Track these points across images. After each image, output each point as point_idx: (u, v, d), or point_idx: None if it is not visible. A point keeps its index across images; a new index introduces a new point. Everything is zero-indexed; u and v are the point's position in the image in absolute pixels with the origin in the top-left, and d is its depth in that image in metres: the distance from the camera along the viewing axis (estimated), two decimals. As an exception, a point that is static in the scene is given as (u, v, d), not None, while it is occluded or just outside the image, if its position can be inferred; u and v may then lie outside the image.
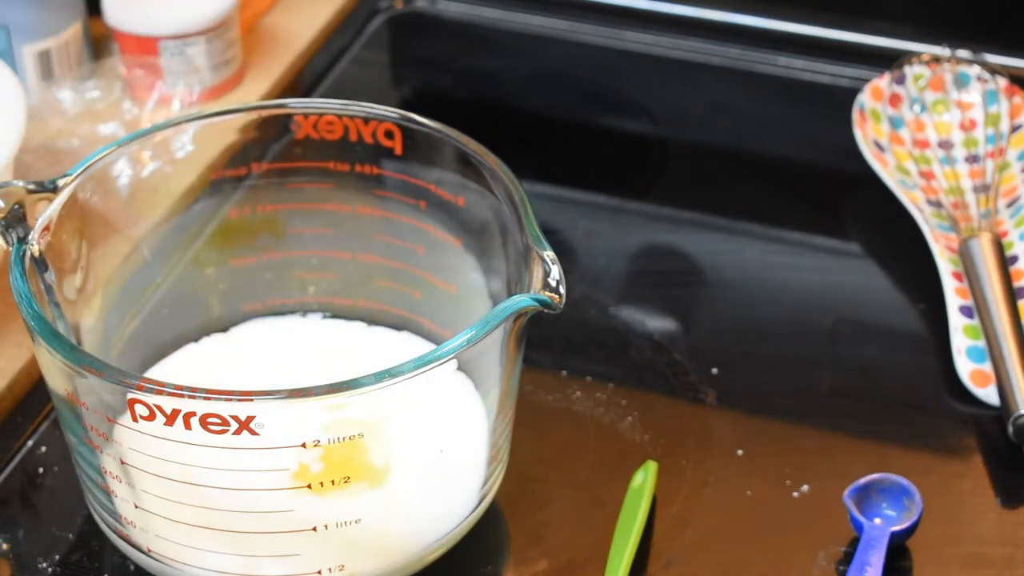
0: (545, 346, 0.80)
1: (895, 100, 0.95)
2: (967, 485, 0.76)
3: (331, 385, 0.60)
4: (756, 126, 1.01)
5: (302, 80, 1.03)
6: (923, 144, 0.93)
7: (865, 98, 0.95)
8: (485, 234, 0.72)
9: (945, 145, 0.93)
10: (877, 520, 0.72)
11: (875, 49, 1.03)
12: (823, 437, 0.78)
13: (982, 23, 1.02)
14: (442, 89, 1.07)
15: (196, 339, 0.78)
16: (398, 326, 0.78)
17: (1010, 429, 0.76)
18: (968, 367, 0.80)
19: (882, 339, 0.84)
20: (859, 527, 0.71)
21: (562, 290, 0.63)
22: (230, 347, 0.78)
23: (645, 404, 0.79)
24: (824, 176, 0.97)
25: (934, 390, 0.81)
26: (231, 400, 0.60)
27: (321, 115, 0.74)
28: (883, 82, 0.96)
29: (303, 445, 0.61)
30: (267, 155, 0.76)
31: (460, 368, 0.64)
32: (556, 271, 0.64)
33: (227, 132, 0.75)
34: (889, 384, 0.81)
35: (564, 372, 0.81)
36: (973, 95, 0.95)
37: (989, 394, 0.79)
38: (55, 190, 0.69)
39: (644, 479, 0.72)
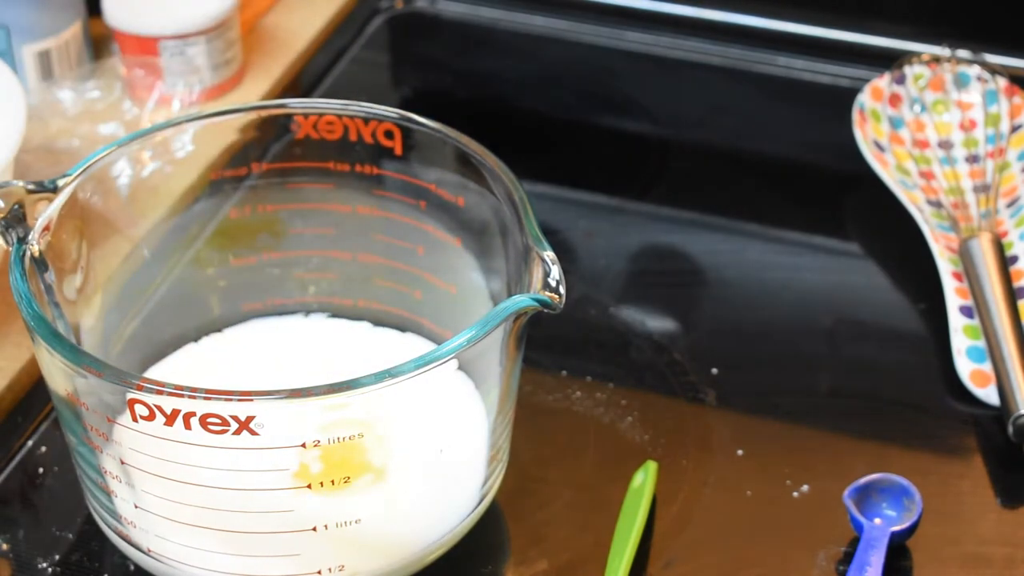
0: (545, 346, 0.80)
1: (895, 100, 0.95)
2: (967, 485, 0.76)
3: (331, 385, 0.60)
4: (756, 126, 1.01)
5: (302, 80, 1.03)
6: (923, 144, 0.93)
7: (865, 98, 0.95)
8: (485, 234, 0.72)
9: (945, 145, 0.93)
10: (877, 520, 0.72)
11: (875, 49, 1.03)
12: (823, 437, 0.78)
13: (982, 23, 1.02)
14: (442, 89, 1.07)
15: (196, 339, 0.78)
16: (398, 326, 0.78)
17: (1010, 429, 0.76)
18: (968, 367, 0.80)
19: (882, 339, 0.84)
20: (859, 527, 0.71)
21: (562, 290, 0.63)
22: (230, 347, 0.78)
23: (645, 404, 0.79)
24: (824, 176, 0.97)
25: (934, 390, 0.81)
26: (231, 400, 0.60)
27: (321, 115, 0.74)
28: (883, 82, 0.96)
29: (303, 445, 0.61)
30: (267, 155, 0.76)
31: (460, 368, 0.64)
32: (556, 271, 0.64)
33: (227, 132, 0.75)
34: (889, 384, 0.81)
35: (564, 372, 0.81)
36: (973, 95, 0.95)
37: (989, 394, 0.79)
38: (55, 190, 0.69)
39: (644, 479, 0.72)
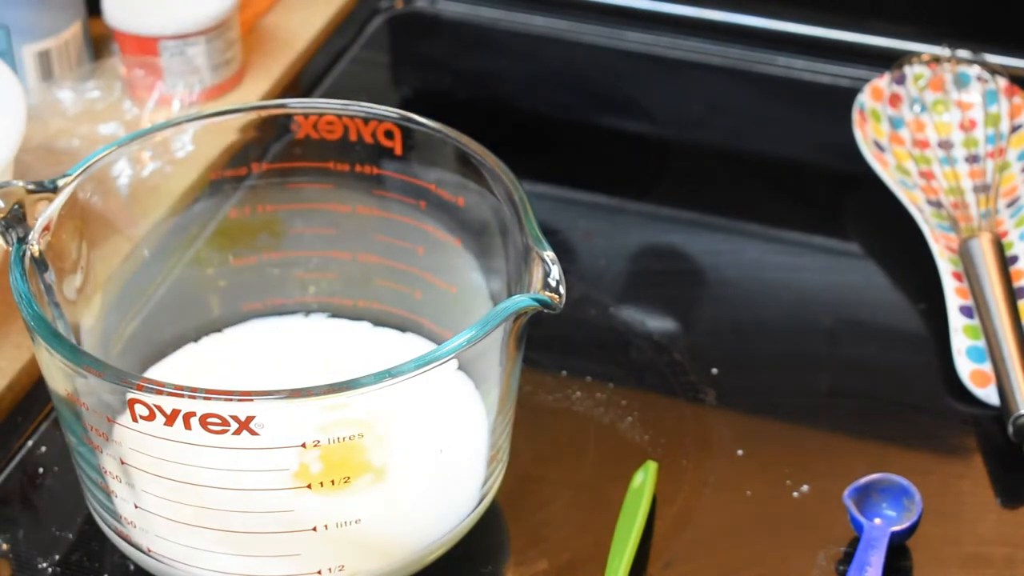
0: (545, 346, 0.80)
1: (895, 100, 0.95)
2: (967, 485, 0.76)
3: (331, 385, 0.60)
4: (756, 126, 1.01)
5: (302, 80, 1.03)
6: (923, 144, 0.93)
7: (865, 98, 0.95)
8: (485, 234, 0.72)
9: (945, 145, 0.93)
10: (877, 520, 0.72)
11: (875, 49, 1.03)
12: (823, 437, 0.78)
13: (982, 23, 1.02)
14: (442, 89, 1.07)
15: (196, 339, 0.78)
16: (398, 326, 0.78)
17: (1010, 429, 0.76)
18: (968, 367, 0.80)
19: (882, 339, 0.84)
20: (859, 527, 0.71)
21: (562, 290, 0.63)
22: (230, 347, 0.78)
23: (645, 404, 0.79)
24: (824, 176, 0.98)
25: (934, 390, 0.81)
26: (231, 400, 0.60)
27: (321, 115, 0.74)
28: (883, 82, 0.96)
29: (303, 445, 0.61)
30: (267, 155, 0.76)
31: (460, 368, 0.64)
32: (556, 271, 0.64)
33: (227, 132, 0.75)
34: (889, 384, 0.81)
35: (564, 372, 0.81)
36: (973, 95, 0.95)
37: (989, 394, 0.79)
38: (55, 190, 0.69)
39: (644, 479, 0.72)
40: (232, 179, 0.76)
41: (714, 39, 1.06)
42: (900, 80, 0.95)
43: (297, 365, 0.77)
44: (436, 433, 0.68)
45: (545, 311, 0.63)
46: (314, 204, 0.77)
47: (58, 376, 0.64)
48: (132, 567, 0.70)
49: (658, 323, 0.85)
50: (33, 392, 0.79)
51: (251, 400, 0.60)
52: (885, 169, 0.91)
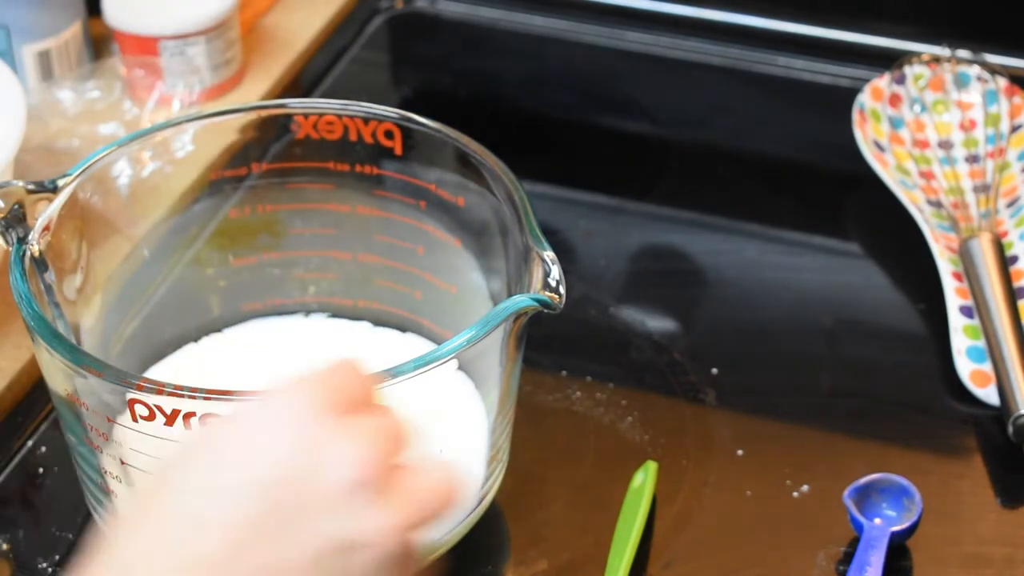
0: (545, 346, 0.80)
1: (895, 100, 0.95)
2: (967, 485, 0.76)
3: (331, 385, 0.60)
4: (756, 126, 1.01)
5: (302, 80, 1.03)
6: (923, 144, 0.93)
7: (865, 98, 0.95)
8: (485, 234, 0.72)
9: (945, 145, 0.93)
10: (877, 520, 0.72)
11: (875, 49, 1.03)
12: (823, 437, 0.78)
13: (982, 23, 1.02)
14: (442, 89, 1.07)
15: (196, 339, 0.78)
16: (398, 326, 0.78)
17: (1010, 429, 0.76)
18: (968, 367, 0.80)
19: (882, 339, 0.84)
20: (859, 527, 0.71)
21: (562, 290, 0.63)
22: (230, 347, 0.78)
23: (645, 404, 0.79)
24: (824, 176, 0.97)
25: (934, 390, 0.81)
26: (231, 400, 0.60)
27: (321, 115, 0.74)
28: (883, 82, 0.96)
29: (303, 445, 0.61)
30: (267, 155, 0.76)
31: (460, 368, 0.64)
32: (556, 271, 0.64)
33: (227, 132, 0.75)
34: (889, 384, 0.81)
35: (564, 372, 0.81)
36: (973, 95, 0.95)
37: (989, 394, 0.79)
38: (55, 190, 0.69)
39: (644, 479, 0.72)
40: (232, 179, 0.76)
41: (714, 39, 1.06)
42: (900, 80, 0.95)
43: (297, 365, 0.76)
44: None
45: (545, 311, 0.63)
46: (314, 204, 0.77)
47: (58, 376, 0.64)
48: (132, 567, 0.70)
49: (658, 323, 0.85)
50: (33, 392, 0.79)
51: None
52: (885, 169, 0.91)
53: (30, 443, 0.77)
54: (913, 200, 0.89)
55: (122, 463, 0.64)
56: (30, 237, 0.67)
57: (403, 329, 0.78)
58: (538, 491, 0.75)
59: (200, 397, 0.60)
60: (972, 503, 0.75)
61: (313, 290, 0.79)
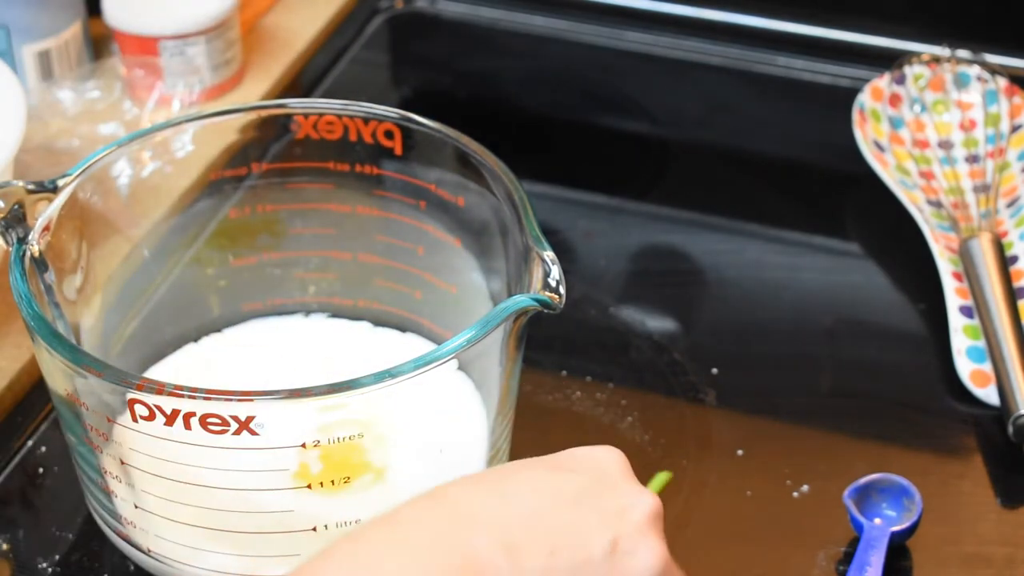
0: (545, 346, 0.80)
1: (895, 100, 0.95)
2: (967, 485, 0.76)
3: (331, 385, 0.60)
4: (756, 126, 1.01)
5: (302, 80, 1.03)
6: (923, 144, 0.93)
7: (865, 98, 0.95)
8: (485, 234, 0.72)
9: (945, 145, 0.93)
10: (877, 520, 0.72)
11: (875, 49, 1.03)
12: (823, 437, 0.78)
13: (982, 23, 1.02)
14: (442, 89, 1.07)
15: (196, 339, 0.78)
16: (398, 326, 0.78)
17: (1010, 429, 0.76)
18: (968, 367, 0.80)
19: (882, 339, 0.84)
20: (859, 527, 0.71)
21: (562, 290, 0.63)
22: (230, 347, 0.78)
23: (645, 404, 0.79)
24: (824, 176, 0.97)
25: (934, 390, 0.81)
26: (231, 400, 0.60)
27: (321, 115, 0.74)
28: (883, 82, 0.96)
29: (303, 445, 0.61)
30: (267, 155, 0.76)
31: (460, 368, 0.64)
32: (556, 271, 0.64)
33: (227, 132, 0.75)
34: (889, 384, 0.81)
35: (564, 372, 0.81)
36: (973, 95, 0.95)
37: (989, 394, 0.79)
38: (55, 190, 0.69)
39: (651, 485, 0.72)
40: (232, 179, 0.76)
41: (714, 39, 1.06)
42: (900, 80, 0.95)
43: (297, 365, 0.76)
44: (436, 433, 0.68)
45: (545, 311, 0.63)
46: (314, 204, 0.77)
47: (58, 376, 0.64)
48: (132, 567, 0.70)
49: (658, 323, 0.84)
50: (33, 392, 0.79)
51: (251, 400, 0.60)
52: (885, 169, 0.91)
53: (30, 443, 0.77)
54: (913, 200, 0.89)
55: (122, 463, 0.64)
56: (30, 237, 0.67)
57: (403, 329, 0.78)
58: (538, 491, 0.74)
59: (200, 397, 0.60)
60: (972, 503, 0.75)
61: (313, 290, 0.79)
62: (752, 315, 0.86)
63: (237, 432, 0.60)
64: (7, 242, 0.67)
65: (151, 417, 0.61)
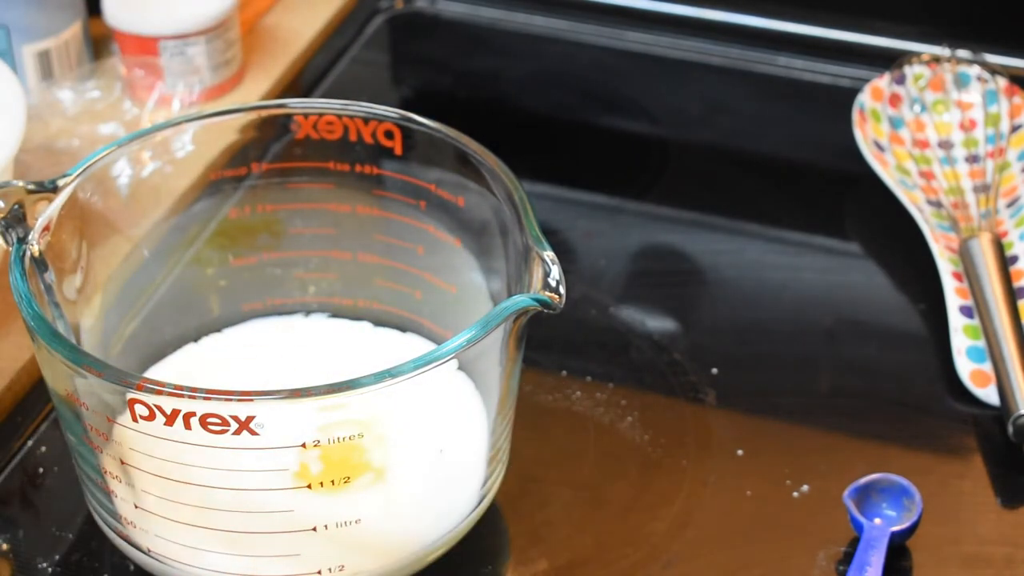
0: (545, 346, 0.80)
1: (895, 100, 0.95)
2: (967, 485, 0.76)
3: (331, 385, 0.60)
4: (756, 126, 1.01)
5: (302, 80, 1.03)
6: (923, 144, 0.93)
7: (865, 98, 0.95)
8: (485, 234, 0.72)
9: (945, 145, 0.93)
10: (877, 520, 0.72)
11: (875, 49, 1.03)
12: (823, 437, 0.78)
13: (982, 23, 1.02)
14: (442, 89, 1.07)
15: (196, 339, 0.78)
16: (398, 326, 0.78)
17: (1010, 429, 0.76)
18: (968, 367, 0.80)
19: (882, 339, 0.84)
20: (859, 527, 0.71)
21: (562, 290, 0.63)
22: (230, 347, 0.78)
23: (645, 404, 0.79)
24: (824, 176, 0.97)
25: (934, 390, 0.81)
26: (231, 400, 0.60)
27: (321, 115, 0.74)
28: (883, 82, 0.96)
29: (303, 445, 0.61)
30: (267, 155, 0.76)
31: (460, 368, 0.64)
32: (556, 271, 0.64)
33: (227, 132, 0.75)
34: (889, 384, 0.81)
35: (564, 372, 0.81)
36: (973, 95, 0.95)
37: (989, 394, 0.79)
38: (55, 190, 0.69)
39: None
40: (232, 179, 0.76)
41: (714, 39, 1.06)
42: (900, 80, 0.95)
43: (297, 365, 0.77)
44: (436, 433, 0.68)
45: (545, 311, 0.63)
46: (314, 204, 0.77)
47: (58, 376, 0.65)
48: (132, 567, 0.70)
49: (658, 323, 0.85)
50: (33, 392, 0.79)
51: (251, 400, 0.60)
52: (885, 169, 0.91)
53: (30, 443, 0.77)
54: (913, 200, 0.89)
55: (122, 463, 0.64)
56: (30, 237, 0.67)
57: (403, 329, 0.78)
58: (538, 491, 0.75)
59: (200, 397, 0.60)
60: (972, 503, 0.75)
61: (313, 290, 0.79)
62: (752, 315, 0.86)
63: (237, 432, 0.60)
64: (7, 242, 0.67)
65: (151, 417, 0.61)
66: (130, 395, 0.61)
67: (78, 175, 0.70)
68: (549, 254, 0.64)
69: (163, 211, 0.77)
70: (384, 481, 0.66)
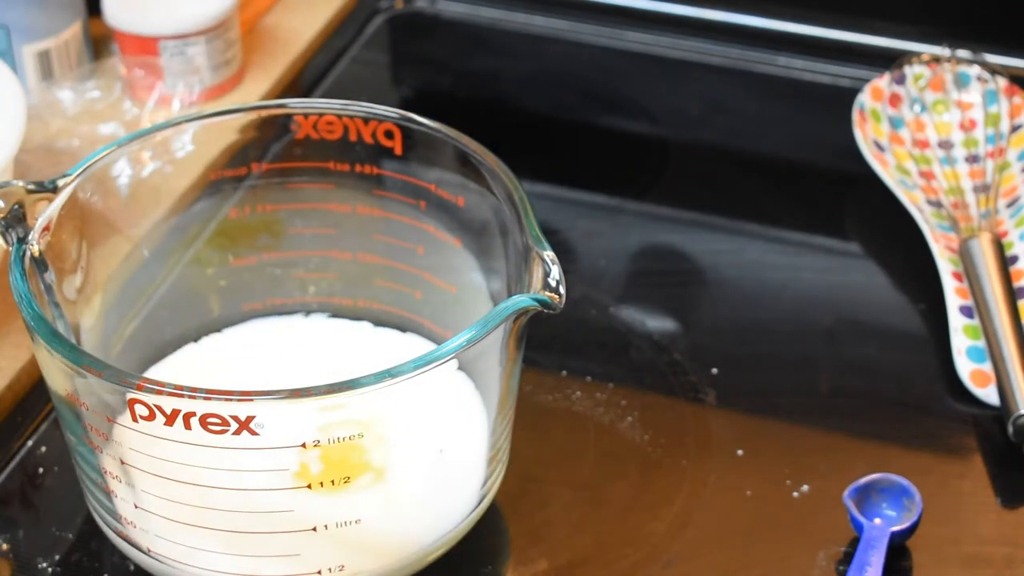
0: (545, 346, 0.80)
1: (895, 100, 0.95)
2: (967, 485, 0.76)
3: (331, 385, 0.60)
4: (756, 126, 1.01)
5: (302, 80, 1.03)
6: (923, 144, 0.93)
7: (865, 98, 0.95)
8: (485, 234, 0.72)
9: (945, 145, 0.93)
10: (877, 520, 0.72)
11: (875, 49, 1.03)
12: (823, 437, 0.78)
13: (982, 23, 1.02)
14: (442, 89, 1.07)
15: (196, 339, 0.78)
16: (398, 326, 0.78)
17: (1010, 429, 0.76)
18: (968, 367, 0.80)
19: (882, 339, 0.84)
20: (859, 527, 0.71)
21: (562, 290, 0.63)
22: (230, 347, 0.78)
23: (645, 404, 0.79)
24: (824, 176, 0.97)
25: (934, 390, 0.81)
26: (231, 400, 0.60)
27: (321, 115, 0.74)
28: (883, 82, 0.96)
29: (303, 445, 0.61)
30: (267, 155, 0.76)
31: (460, 368, 0.64)
32: (556, 271, 0.64)
33: (227, 132, 0.75)
34: (889, 384, 0.81)
35: (564, 372, 0.81)
36: (973, 95, 0.95)
37: (989, 394, 0.79)
38: (55, 190, 0.69)
39: None
40: (232, 179, 0.76)
41: (714, 39, 1.06)
42: (900, 80, 0.95)
43: (297, 365, 0.77)
44: (436, 433, 0.68)
45: (545, 311, 0.63)
46: (314, 204, 0.77)
47: (58, 376, 0.65)
48: (132, 567, 0.70)
49: (658, 323, 0.85)
50: (33, 392, 0.79)
51: (251, 400, 0.60)
52: (885, 169, 0.91)
53: (30, 443, 0.77)
54: (913, 200, 0.89)
55: (122, 463, 0.64)
56: (30, 237, 0.67)
57: (403, 329, 0.78)
58: (538, 491, 0.75)
59: (200, 397, 0.60)
60: (972, 503, 0.75)
61: (313, 290, 0.79)
62: (752, 315, 0.86)
63: (237, 432, 0.60)
64: (7, 242, 0.67)
65: (151, 417, 0.61)
66: (130, 395, 0.61)
67: (78, 175, 0.70)
68: (549, 254, 0.64)
69: (163, 211, 0.77)
70: (384, 481, 0.66)
